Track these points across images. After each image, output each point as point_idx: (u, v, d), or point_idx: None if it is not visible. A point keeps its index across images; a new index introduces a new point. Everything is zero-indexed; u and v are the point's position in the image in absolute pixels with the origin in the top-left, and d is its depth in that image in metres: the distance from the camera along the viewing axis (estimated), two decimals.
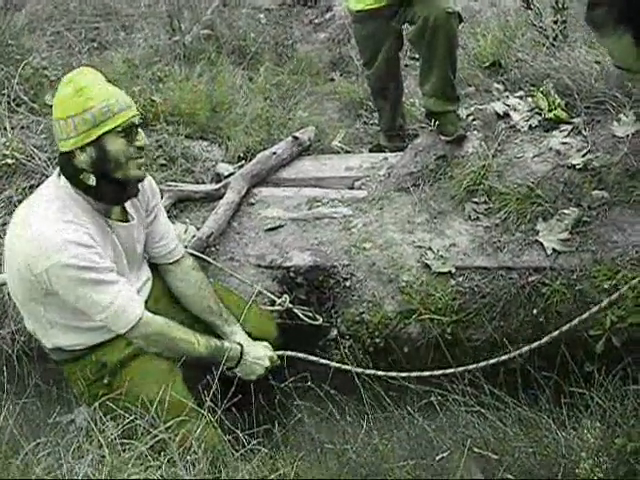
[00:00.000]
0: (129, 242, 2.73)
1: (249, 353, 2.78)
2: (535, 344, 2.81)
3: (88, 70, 2.56)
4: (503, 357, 2.82)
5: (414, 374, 2.90)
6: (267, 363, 2.80)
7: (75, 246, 2.42)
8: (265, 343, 2.89)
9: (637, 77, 1.89)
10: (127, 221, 2.72)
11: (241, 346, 2.78)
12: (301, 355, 2.97)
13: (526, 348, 2.82)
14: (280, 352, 2.89)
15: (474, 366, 2.88)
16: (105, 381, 2.64)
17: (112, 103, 2.46)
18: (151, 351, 2.64)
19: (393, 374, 2.93)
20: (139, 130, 2.55)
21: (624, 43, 1.70)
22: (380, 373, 2.96)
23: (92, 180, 2.51)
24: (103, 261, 2.51)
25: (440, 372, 2.88)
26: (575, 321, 2.81)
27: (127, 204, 2.72)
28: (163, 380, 2.56)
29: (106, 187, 2.55)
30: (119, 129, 2.48)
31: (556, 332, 2.80)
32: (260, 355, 2.81)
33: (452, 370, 2.88)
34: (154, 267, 2.97)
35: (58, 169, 2.60)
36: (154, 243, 2.91)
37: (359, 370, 2.97)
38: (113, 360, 2.64)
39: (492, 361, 2.85)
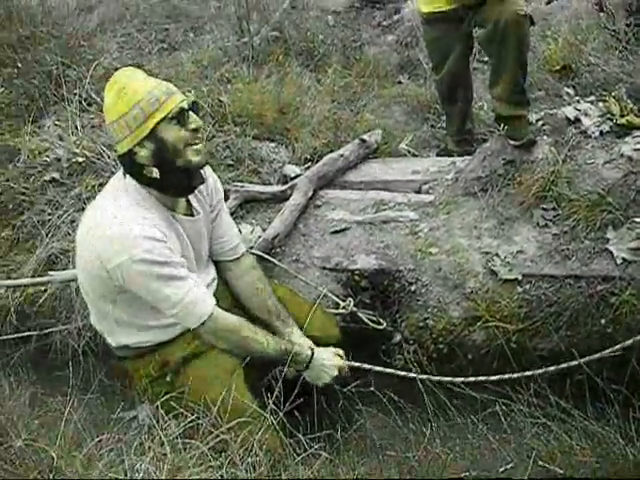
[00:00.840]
0: (196, 236, 2.76)
1: (319, 359, 2.77)
2: (597, 355, 2.77)
3: (127, 70, 2.60)
4: (563, 365, 2.77)
5: (470, 379, 2.86)
6: (335, 372, 2.79)
7: (147, 240, 2.46)
8: (337, 350, 2.87)
9: None
10: (193, 215, 2.75)
11: (312, 350, 2.77)
12: (367, 366, 2.93)
13: (588, 358, 2.77)
14: (349, 363, 2.87)
15: (530, 372, 2.84)
16: (167, 379, 2.68)
17: (157, 93, 2.48)
18: (220, 347, 2.66)
19: (447, 379, 2.90)
20: (190, 114, 2.54)
21: None
22: (435, 378, 2.92)
23: (156, 173, 2.54)
24: (175, 256, 2.55)
25: (497, 377, 2.84)
26: None
27: (192, 199, 2.75)
28: (226, 380, 2.57)
29: (171, 178, 2.57)
30: (170, 116, 2.49)
31: (629, 341, 2.73)
32: (330, 363, 2.79)
33: (507, 376, 2.84)
34: (217, 267, 2.99)
35: (121, 171, 2.63)
36: (217, 239, 2.93)
37: (415, 376, 2.94)
38: (175, 358, 2.67)
39: (551, 369, 2.80)
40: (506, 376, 2.84)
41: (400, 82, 6.03)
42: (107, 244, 2.46)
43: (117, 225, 2.46)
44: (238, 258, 2.98)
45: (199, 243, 2.79)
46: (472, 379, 2.85)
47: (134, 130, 2.48)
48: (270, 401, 2.46)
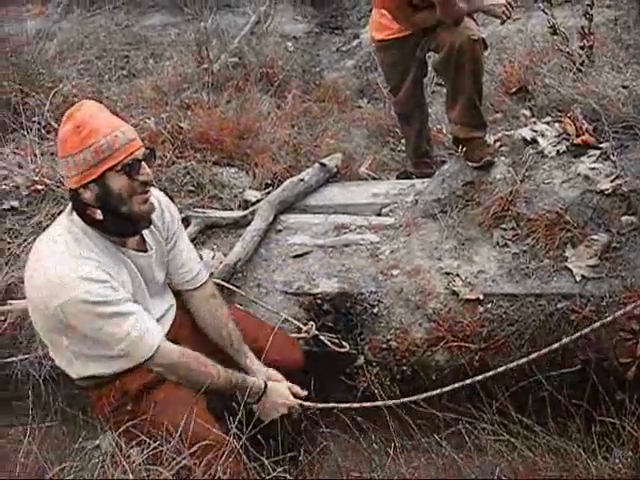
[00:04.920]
0: (148, 270, 2.72)
1: (270, 395, 2.74)
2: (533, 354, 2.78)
3: (88, 103, 2.51)
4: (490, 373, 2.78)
5: (423, 395, 2.82)
6: (284, 411, 2.76)
7: (87, 282, 2.41)
8: (292, 387, 2.83)
9: None
10: (145, 251, 2.71)
11: (265, 385, 2.74)
12: (321, 405, 2.87)
13: (520, 362, 2.79)
14: (301, 402, 2.80)
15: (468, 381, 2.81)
16: (128, 407, 2.63)
17: (111, 139, 2.41)
18: (172, 379, 2.62)
19: (403, 400, 2.85)
20: (142, 164, 2.48)
21: None
22: (389, 402, 2.86)
23: (99, 215, 2.50)
24: (117, 293, 2.50)
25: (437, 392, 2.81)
26: (587, 329, 2.75)
27: (146, 233, 2.71)
28: (187, 406, 2.53)
29: (114, 222, 2.52)
30: (119, 167, 2.43)
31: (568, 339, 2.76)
32: (281, 401, 2.76)
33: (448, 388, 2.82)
34: (177, 293, 2.96)
35: (71, 204, 2.60)
36: (177, 269, 2.89)
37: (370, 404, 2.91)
38: (135, 387, 2.63)
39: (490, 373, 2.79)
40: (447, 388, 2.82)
41: (360, 106, 6.10)
42: (47, 285, 2.42)
43: (57, 266, 2.42)
44: (199, 286, 2.94)
45: (152, 277, 2.75)
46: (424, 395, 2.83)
47: (82, 172, 2.43)
48: (232, 425, 2.44)
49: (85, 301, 2.40)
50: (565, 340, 2.76)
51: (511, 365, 2.76)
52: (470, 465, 2.43)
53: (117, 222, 2.53)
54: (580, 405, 2.80)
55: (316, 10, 8.38)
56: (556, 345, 2.74)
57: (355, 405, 2.91)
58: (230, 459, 2.42)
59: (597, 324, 2.74)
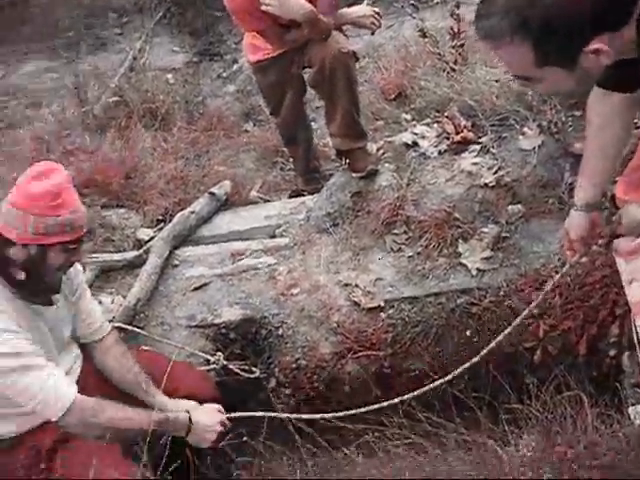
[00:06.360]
0: (56, 324, 2.69)
1: (199, 422, 2.72)
2: (462, 367, 2.84)
3: (63, 170, 2.53)
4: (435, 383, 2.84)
5: (340, 414, 2.89)
6: (219, 428, 2.75)
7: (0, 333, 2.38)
8: (213, 406, 2.83)
9: (534, 86, 1.88)
10: (51, 304, 2.68)
11: (189, 414, 2.72)
12: (248, 413, 2.93)
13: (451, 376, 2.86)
14: (228, 414, 2.83)
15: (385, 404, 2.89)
16: (42, 466, 2.57)
17: (74, 217, 2.47)
18: (91, 437, 2.55)
19: (324, 415, 2.91)
20: (81, 247, 2.58)
21: (521, 52, 1.69)
22: (305, 416, 2.94)
23: (21, 275, 2.49)
24: (29, 346, 2.46)
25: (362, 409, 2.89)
26: (500, 337, 2.83)
27: None
28: (98, 455, 2.47)
29: (31, 285, 2.53)
30: (69, 245, 2.49)
31: (484, 350, 2.82)
32: (211, 422, 2.75)
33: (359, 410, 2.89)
34: (81, 345, 2.92)
35: None
36: (81, 322, 2.87)
37: (287, 416, 2.97)
38: (47, 443, 2.57)
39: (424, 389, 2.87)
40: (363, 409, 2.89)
41: (246, 130, 6.11)
42: None
43: None
44: (104, 337, 2.92)
45: (59, 330, 2.72)
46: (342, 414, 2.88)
47: (35, 233, 2.42)
48: (140, 466, 2.40)
49: None
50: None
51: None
52: (383, 472, 2.44)
53: (34, 287, 2.56)
54: (482, 397, 2.84)
55: (193, 39, 8.36)
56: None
57: (281, 415, 3.00)
58: None
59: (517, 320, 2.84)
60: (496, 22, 1.67)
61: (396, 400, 2.87)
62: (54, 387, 2.47)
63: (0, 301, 2.47)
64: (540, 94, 3.76)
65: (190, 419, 2.70)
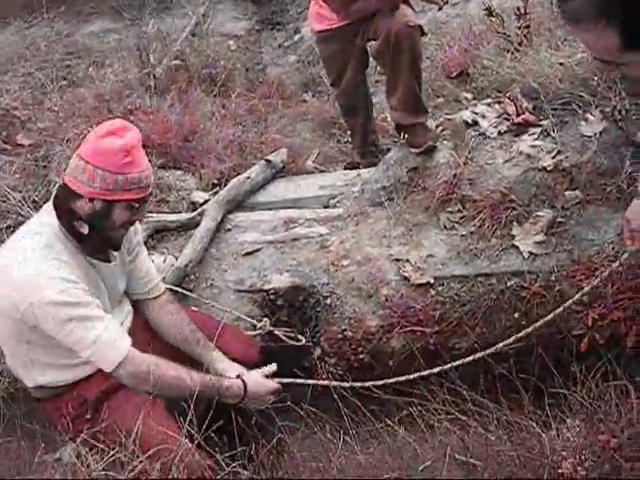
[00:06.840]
0: (111, 279, 2.73)
1: (253, 391, 2.72)
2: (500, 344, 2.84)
3: (135, 129, 2.56)
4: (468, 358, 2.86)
5: (379, 382, 2.90)
6: (272, 398, 2.78)
7: (60, 282, 2.42)
8: (265, 370, 2.83)
9: (618, 69, 1.84)
10: (109, 261, 2.72)
11: (244, 382, 2.71)
12: (299, 380, 2.96)
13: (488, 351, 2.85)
14: (280, 380, 2.83)
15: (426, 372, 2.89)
16: (88, 416, 2.61)
17: (142, 177, 2.50)
18: (141, 391, 2.58)
19: (361, 384, 2.93)
20: (145, 206, 2.63)
21: (607, 36, 1.66)
22: (346, 384, 2.95)
23: (85, 229, 2.53)
24: (88, 297, 2.51)
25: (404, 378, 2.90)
26: (550, 316, 2.82)
27: None
28: (146, 410, 2.52)
29: (94, 239, 2.58)
30: (134, 203, 2.53)
31: (530, 327, 2.82)
32: (264, 390, 2.76)
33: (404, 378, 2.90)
34: (133, 302, 2.96)
35: (51, 202, 2.60)
36: (138, 280, 2.91)
37: (335, 384, 2.98)
38: (94, 395, 2.62)
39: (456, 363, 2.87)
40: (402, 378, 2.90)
41: (304, 100, 6.11)
42: (20, 287, 2.42)
43: (30, 267, 2.43)
44: (158, 295, 2.95)
45: (114, 285, 2.76)
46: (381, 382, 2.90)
47: (103, 189, 2.46)
48: (186, 425, 2.43)
49: (58, 301, 2.42)
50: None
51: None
52: (424, 445, 2.44)
53: (97, 242, 2.61)
54: (528, 379, 2.83)
55: (256, 7, 8.38)
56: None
57: (332, 383, 3.00)
58: (185, 459, 2.41)
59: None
60: (581, 4, 1.63)
61: (435, 370, 2.88)
62: (110, 338, 2.51)
63: (61, 252, 2.52)
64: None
65: (246, 388, 2.70)
